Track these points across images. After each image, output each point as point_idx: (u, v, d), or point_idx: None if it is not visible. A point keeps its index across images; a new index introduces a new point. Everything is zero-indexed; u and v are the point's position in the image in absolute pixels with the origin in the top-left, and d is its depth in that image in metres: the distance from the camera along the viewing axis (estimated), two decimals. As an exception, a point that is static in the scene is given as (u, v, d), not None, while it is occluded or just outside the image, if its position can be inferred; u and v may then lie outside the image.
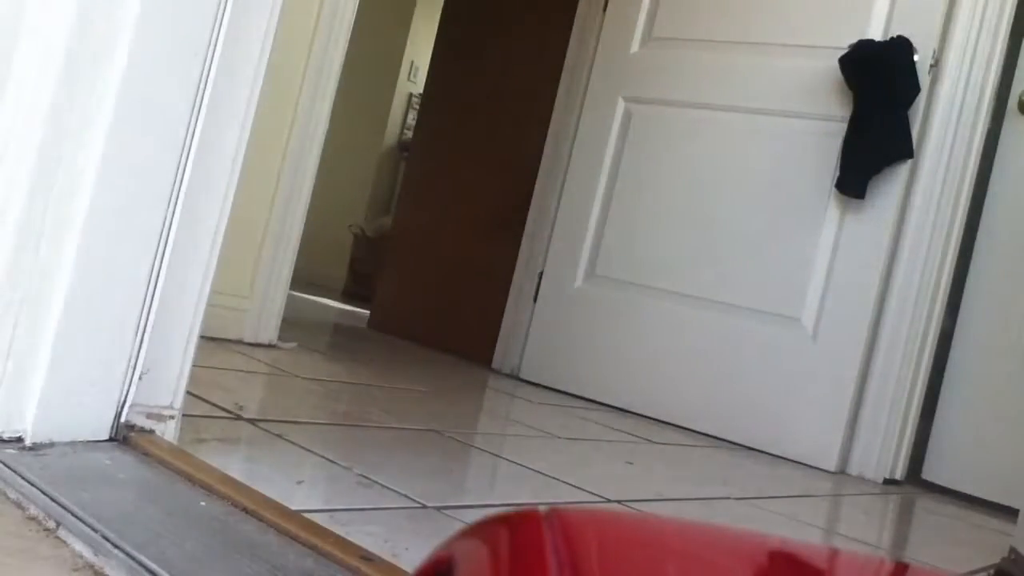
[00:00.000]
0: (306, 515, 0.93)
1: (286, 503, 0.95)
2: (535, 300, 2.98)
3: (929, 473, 2.51)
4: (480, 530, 0.47)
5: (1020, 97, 2.51)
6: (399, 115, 5.57)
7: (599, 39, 2.97)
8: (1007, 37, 2.48)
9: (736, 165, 2.65)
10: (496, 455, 1.62)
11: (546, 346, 2.91)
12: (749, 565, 0.50)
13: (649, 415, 2.64)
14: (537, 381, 2.88)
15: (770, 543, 0.59)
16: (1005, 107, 2.53)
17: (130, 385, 1.05)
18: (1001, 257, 2.52)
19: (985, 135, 2.50)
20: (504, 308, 3.06)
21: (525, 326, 2.98)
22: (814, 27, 2.57)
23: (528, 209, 3.07)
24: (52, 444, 0.97)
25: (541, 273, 2.98)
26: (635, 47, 2.90)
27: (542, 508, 0.47)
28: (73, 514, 0.79)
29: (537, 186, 3.06)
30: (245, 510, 0.89)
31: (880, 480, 2.39)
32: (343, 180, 5.12)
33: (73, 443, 0.98)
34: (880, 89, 2.37)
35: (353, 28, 2.34)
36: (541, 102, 3.08)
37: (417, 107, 4.69)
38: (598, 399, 2.74)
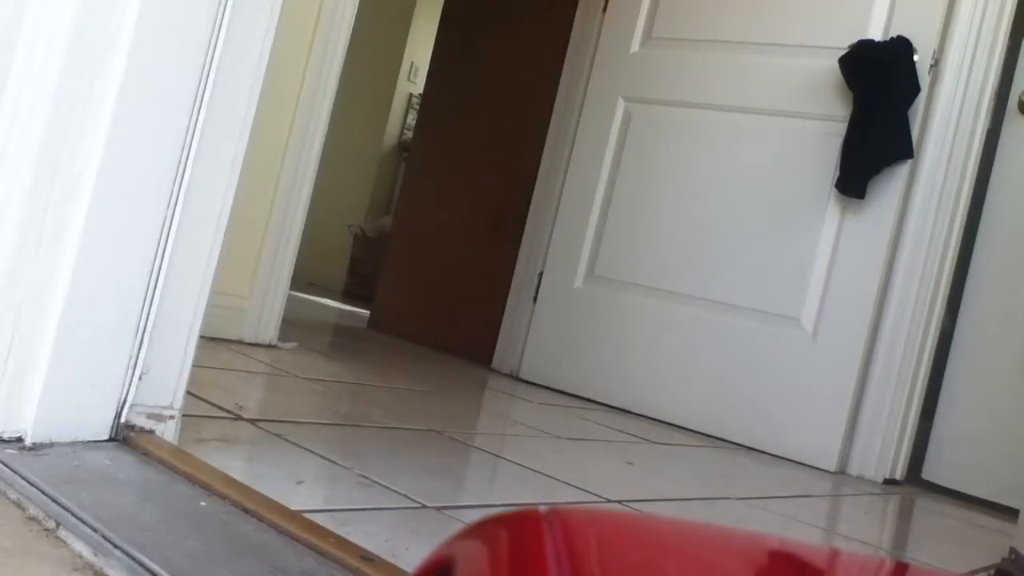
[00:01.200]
0: (306, 515, 0.93)
1: (286, 503, 0.95)
2: (535, 300, 2.98)
3: (929, 473, 2.51)
4: (480, 530, 0.47)
5: (1020, 97, 2.51)
6: (399, 115, 5.57)
7: (599, 39, 2.98)
8: (1007, 37, 2.48)
9: (736, 165, 2.65)
10: (496, 455, 1.62)
11: (546, 346, 2.91)
12: (749, 565, 0.50)
13: (649, 415, 2.64)
14: (537, 381, 2.88)
15: (770, 543, 0.59)
16: (1005, 107, 2.53)
17: (130, 385, 1.05)
18: (1001, 257, 2.52)
19: (985, 135, 2.50)
20: (504, 308, 3.07)
21: (525, 326, 2.98)
22: (814, 27, 2.57)
23: (528, 209, 3.07)
24: (52, 444, 0.97)
25: (541, 273, 2.98)
26: (635, 47, 2.90)
27: (542, 508, 0.47)
28: (73, 514, 0.79)
29: (537, 186, 3.06)
30: (245, 510, 0.89)
31: (880, 480, 2.39)
32: (343, 180, 5.12)
33: (73, 443, 0.98)
34: (880, 89, 2.37)
35: (353, 28, 2.34)
36: (541, 102, 3.09)
37: (417, 107, 4.69)
38: (598, 399, 2.74)
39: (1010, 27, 2.47)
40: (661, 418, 2.63)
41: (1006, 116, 2.53)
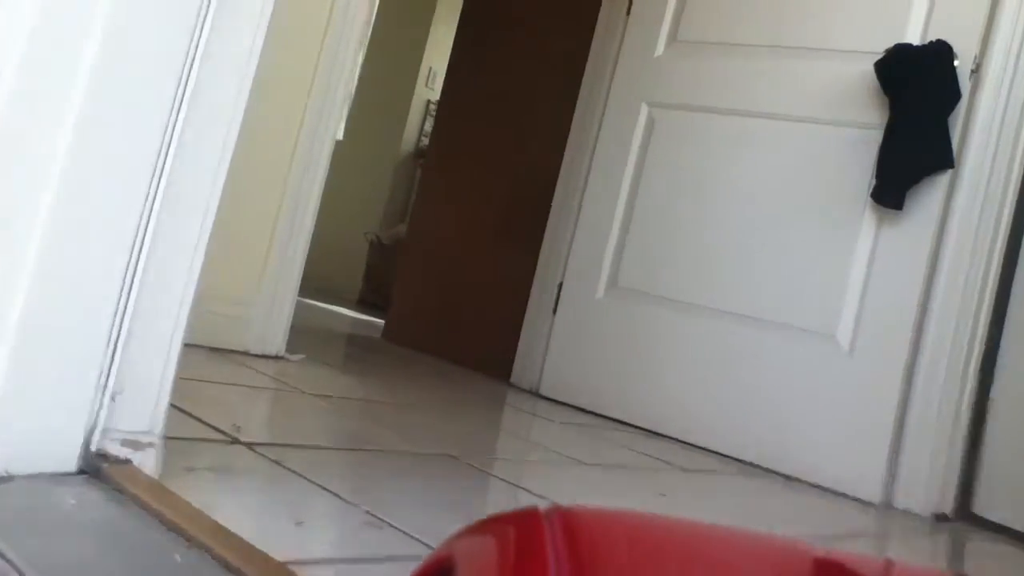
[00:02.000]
0: (304, 568, 0.79)
1: (282, 549, 0.81)
2: (554, 312, 2.84)
3: (980, 507, 2.34)
4: (480, 529, 0.47)
5: (1073, 104, 2.36)
6: (416, 122, 5.45)
7: (622, 42, 2.85)
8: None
9: (767, 174, 2.52)
10: (516, 485, 1.48)
11: (566, 361, 2.77)
12: (755, 565, 0.48)
13: (676, 437, 2.49)
14: (557, 398, 2.74)
15: (778, 543, 0.56)
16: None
17: (101, 407, 0.91)
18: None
19: (1034, 142, 2.35)
20: (522, 320, 2.94)
21: (544, 339, 2.84)
22: (848, 31, 2.44)
23: (547, 216, 2.94)
24: (11, 478, 0.83)
25: (560, 284, 2.85)
26: (659, 50, 2.78)
27: (542, 506, 0.46)
28: (16, 568, 0.66)
29: (557, 193, 2.93)
30: (228, 568, 0.75)
31: (928, 515, 2.21)
32: (360, 186, 5.01)
33: (35, 476, 0.85)
34: (918, 95, 2.24)
35: (372, 34, 2.23)
36: (562, 107, 2.96)
37: (434, 114, 4.58)
38: (622, 419, 2.60)
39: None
40: (689, 440, 2.48)
41: (1054, 124, 2.38)
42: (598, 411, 2.65)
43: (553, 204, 2.94)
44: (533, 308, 2.93)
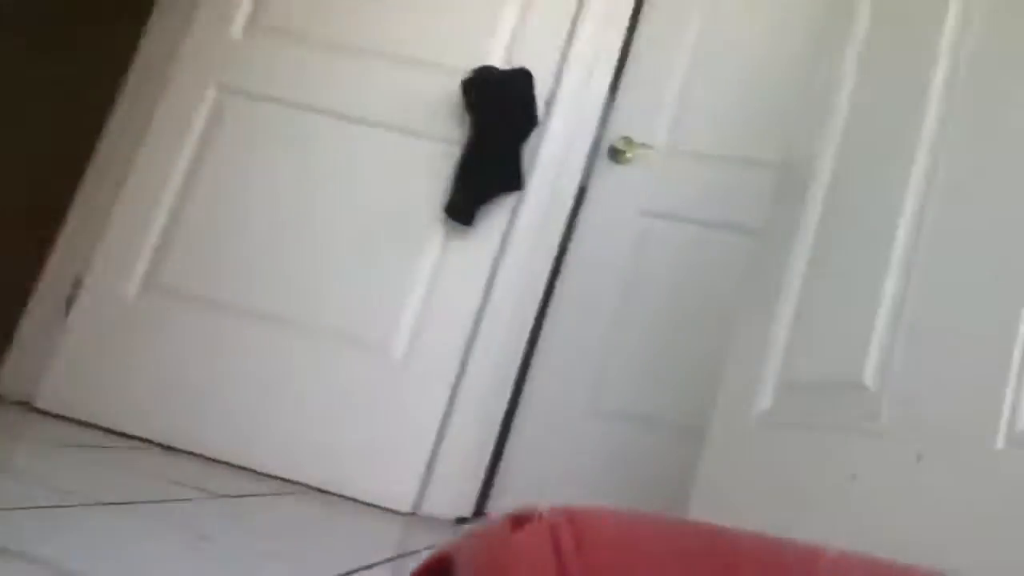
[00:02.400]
0: None
1: None
2: (67, 312, 2.39)
3: (493, 507, 2.46)
4: (480, 530, 0.49)
5: (610, 144, 2.58)
6: None
7: (193, 19, 2.54)
8: (609, 85, 2.55)
9: (346, 179, 2.40)
10: (22, 555, 1.09)
11: (79, 369, 2.35)
12: (751, 565, 0.49)
13: (221, 459, 2.26)
14: (63, 413, 2.31)
15: (765, 543, 0.56)
16: (599, 152, 2.60)
17: None
18: (578, 295, 2.54)
19: (584, 176, 2.55)
20: (20, 319, 2.43)
21: (49, 343, 2.38)
22: (434, 45, 2.43)
23: (71, 204, 2.48)
24: None
25: (81, 281, 2.40)
26: (237, 33, 2.53)
27: (542, 508, 0.47)
28: None
29: (89, 175, 2.50)
30: None
31: (451, 519, 2.27)
32: None
33: None
34: (499, 118, 2.31)
35: None
36: (107, 79, 2.53)
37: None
38: (150, 437, 2.28)
39: (613, 77, 2.55)
40: (233, 461, 2.26)
41: (597, 161, 2.59)
42: (120, 429, 2.30)
43: (83, 188, 2.52)
44: (38, 307, 2.46)
